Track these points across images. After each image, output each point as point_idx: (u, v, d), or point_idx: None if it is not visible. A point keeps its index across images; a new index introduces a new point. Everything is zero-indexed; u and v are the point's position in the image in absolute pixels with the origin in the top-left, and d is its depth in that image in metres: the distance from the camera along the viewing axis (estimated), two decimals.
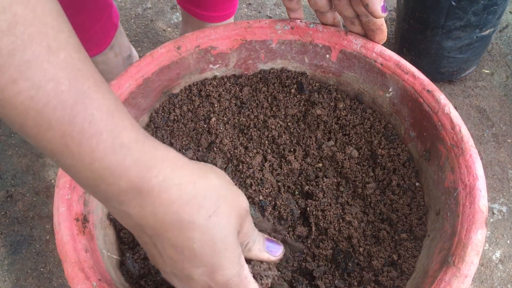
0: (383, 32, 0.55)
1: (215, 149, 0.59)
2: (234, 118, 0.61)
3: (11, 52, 0.26)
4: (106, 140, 0.30)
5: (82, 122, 0.29)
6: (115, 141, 0.30)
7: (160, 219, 0.33)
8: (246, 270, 0.39)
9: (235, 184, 0.49)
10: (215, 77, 0.61)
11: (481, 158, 0.85)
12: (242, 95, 0.61)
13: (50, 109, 0.28)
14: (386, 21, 1.09)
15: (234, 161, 0.58)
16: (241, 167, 0.57)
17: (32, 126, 0.28)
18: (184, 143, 0.58)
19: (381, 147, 0.58)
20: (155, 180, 0.32)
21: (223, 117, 0.61)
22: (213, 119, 0.60)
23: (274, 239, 0.47)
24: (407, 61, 0.56)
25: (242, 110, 0.61)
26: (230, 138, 0.60)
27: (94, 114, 0.29)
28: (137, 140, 0.32)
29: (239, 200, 0.38)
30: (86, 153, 0.29)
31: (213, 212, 0.35)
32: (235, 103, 0.61)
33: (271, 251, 0.45)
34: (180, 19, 1.07)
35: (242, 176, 0.57)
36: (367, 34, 0.57)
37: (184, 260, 0.35)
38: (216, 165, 0.58)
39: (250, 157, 0.58)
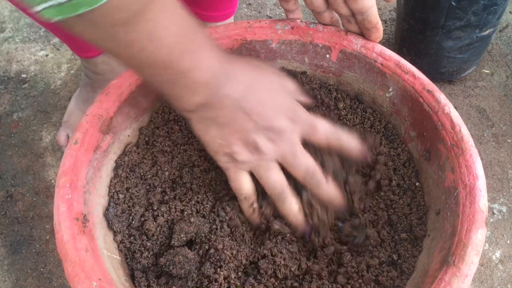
0: (379, 30, 0.56)
1: None
2: None
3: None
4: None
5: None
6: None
7: (250, 77, 0.47)
8: None
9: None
10: None
11: (481, 158, 0.85)
12: None
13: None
14: (386, 21, 1.09)
15: None
16: None
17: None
18: (184, 141, 0.58)
19: (381, 147, 0.58)
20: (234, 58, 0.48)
21: None
22: None
23: None
24: (407, 61, 0.56)
25: None
26: None
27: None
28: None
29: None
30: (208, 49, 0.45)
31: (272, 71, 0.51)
32: None
33: None
34: None
35: None
36: (363, 32, 0.57)
37: (268, 110, 0.47)
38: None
39: None
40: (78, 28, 0.37)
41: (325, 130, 0.50)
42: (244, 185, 0.50)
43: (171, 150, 0.57)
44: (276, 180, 0.49)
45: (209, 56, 0.44)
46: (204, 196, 0.53)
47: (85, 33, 0.37)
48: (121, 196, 0.52)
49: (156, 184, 0.54)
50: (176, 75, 0.42)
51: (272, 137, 0.47)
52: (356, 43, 0.57)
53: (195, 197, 0.53)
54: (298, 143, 0.48)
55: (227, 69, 0.45)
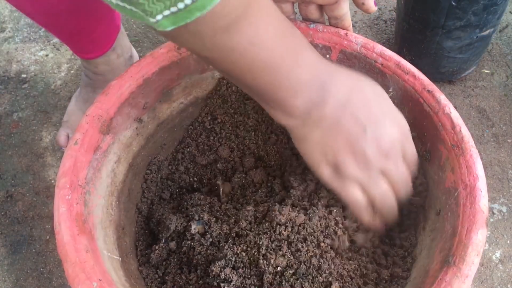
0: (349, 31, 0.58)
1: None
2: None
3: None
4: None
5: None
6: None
7: (353, 80, 0.45)
8: None
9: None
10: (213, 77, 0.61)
11: (481, 158, 0.85)
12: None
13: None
14: (386, 21, 1.09)
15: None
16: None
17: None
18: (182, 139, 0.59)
19: None
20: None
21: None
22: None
23: None
24: (407, 61, 0.56)
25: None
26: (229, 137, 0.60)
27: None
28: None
29: None
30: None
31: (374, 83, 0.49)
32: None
33: None
34: None
35: None
36: None
37: (376, 114, 0.44)
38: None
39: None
40: (183, 38, 0.36)
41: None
42: (359, 196, 0.46)
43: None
44: (385, 194, 0.46)
45: (309, 55, 0.43)
46: None
47: (188, 42, 0.37)
48: None
49: None
50: (277, 76, 0.41)
51: (381, 146, 0.44)
52: (356, 44, 0.57)
53: None
54: (401, 159, 0.46)
55: (328, 69, 0.44)
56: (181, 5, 0.32)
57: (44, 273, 0.77)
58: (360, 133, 0.43)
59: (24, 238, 0.80)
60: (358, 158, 0.43)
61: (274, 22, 0.40)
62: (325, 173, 0.45)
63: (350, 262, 0.49)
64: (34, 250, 0.79)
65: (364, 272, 0.49)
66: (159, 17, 0.33)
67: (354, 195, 0.45)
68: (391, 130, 0.45)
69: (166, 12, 0.33)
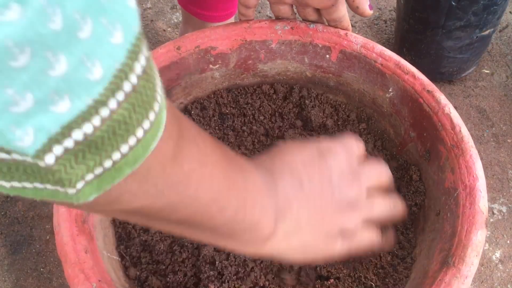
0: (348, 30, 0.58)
1: None
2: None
3: None
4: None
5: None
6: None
7: (296, 169, 0.40)
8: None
9: None
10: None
11: (481, 158, 0.85)
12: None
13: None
14: (386, 21, 1.09)
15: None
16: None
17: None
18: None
19: None
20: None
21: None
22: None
23: None
24: (407, 61, 0.56)
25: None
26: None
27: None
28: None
29: None
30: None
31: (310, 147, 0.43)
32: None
33: None
34: (180, 19, 1.07)
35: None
36: None
37: (330, 184, 0.40)
38: None
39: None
40: (113, 197, 0.27)
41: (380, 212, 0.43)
42: (374, 235, 0.43)
43: None
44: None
45: (253, 172, 0.37)
46: None
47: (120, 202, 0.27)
48: None
49: None
50: (240, 197, 0.35)
51: (347, 193, 0.41)
52: (356, 44, 0.57)
53: None
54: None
55: (268, 170, 0.39)
56: (108, 164, 0.24)
57: (44, 273, 0.77)
58: (331, 197, 0.40)
59: (24, 238, 0.80)
60: (349, 209, 0.40)
61: (210, 141, 0.33)
62: (339, 246, 0.41)
63: (349, 264, 0.49)
64: (34, 250, 0.79)
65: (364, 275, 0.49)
66: (80, 184, 0.24)
67: (372, 237, 0.43)
68: (351, 190, 0.41)
69: (89, 176, 0.24)
